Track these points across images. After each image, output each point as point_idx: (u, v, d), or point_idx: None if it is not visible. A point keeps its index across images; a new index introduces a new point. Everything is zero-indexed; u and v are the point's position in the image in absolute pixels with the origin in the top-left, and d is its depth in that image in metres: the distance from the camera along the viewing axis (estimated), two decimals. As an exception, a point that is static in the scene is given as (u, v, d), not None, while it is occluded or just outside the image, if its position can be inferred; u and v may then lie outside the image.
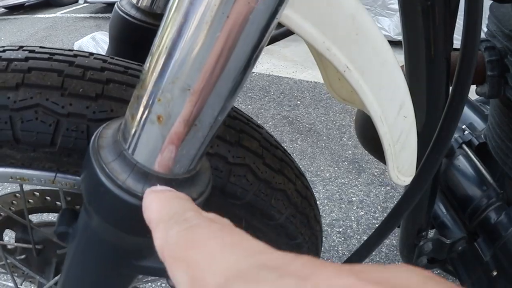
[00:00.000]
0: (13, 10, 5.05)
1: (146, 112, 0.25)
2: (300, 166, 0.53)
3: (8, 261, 0.54)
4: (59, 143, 0.34)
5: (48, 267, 0.58)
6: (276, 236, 0.48)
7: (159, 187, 0.25)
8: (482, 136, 0.75)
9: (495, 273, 0.65)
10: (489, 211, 0.68)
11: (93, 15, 4.47)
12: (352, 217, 1.41)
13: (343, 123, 1.94)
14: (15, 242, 0.55)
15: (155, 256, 0.29)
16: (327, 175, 1.60)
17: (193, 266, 0.16)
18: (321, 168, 1.64)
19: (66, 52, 0.38)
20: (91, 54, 0.39)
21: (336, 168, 1.63)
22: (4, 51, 0.36)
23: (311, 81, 2.41)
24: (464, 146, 0.75)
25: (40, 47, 0.38)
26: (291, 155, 0.50)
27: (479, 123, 0.79)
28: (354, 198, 1.49)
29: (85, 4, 4.58)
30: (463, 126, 0.79)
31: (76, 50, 0.39)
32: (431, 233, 0.79)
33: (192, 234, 0.18)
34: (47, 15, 4.67)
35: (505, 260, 0.63)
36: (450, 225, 0.75)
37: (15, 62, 0.35)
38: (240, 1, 0.21)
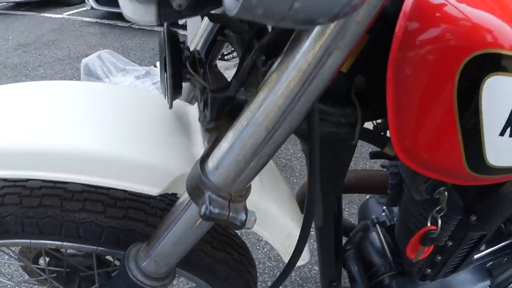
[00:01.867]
0: (20, 5, 5.23)
1: (152, 255, 0.53)
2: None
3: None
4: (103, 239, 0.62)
5: (73, 284, 0.83)
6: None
7: None
8: (395, 219, 1.04)
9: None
10: (384, 277, 0.96)
11: (98, 20, 4.69)
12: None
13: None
14: (49, 265, 0.80)
15: None
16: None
17: None
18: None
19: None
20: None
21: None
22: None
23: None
24: (377, 226, 1.04)
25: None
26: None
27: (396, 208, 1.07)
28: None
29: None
30: (384, 207, 1.08)
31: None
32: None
33: None
34: (54, 15, 4.87)
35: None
36: (357, 279, 1.03)
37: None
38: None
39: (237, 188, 0.45)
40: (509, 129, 0.52)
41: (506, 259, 1.05)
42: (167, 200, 0.69)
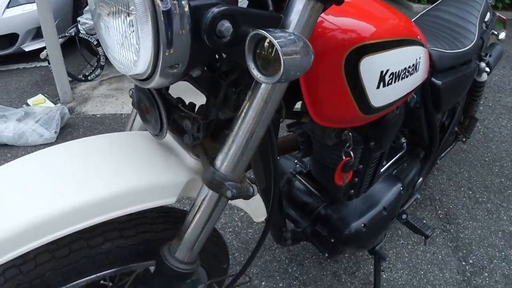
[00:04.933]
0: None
1: (183, 245, 0.69)
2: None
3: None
4: (127, 257, 0.75)
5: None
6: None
7: None
8: (308, 166, 1.32)
9: (332, 240, 1.21)
10: (319, 209, 1.24)
11: None
12: (236, 218, 1.94)
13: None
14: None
15: None
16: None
17: None
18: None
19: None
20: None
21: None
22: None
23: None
24: (297, 175, 1.31)
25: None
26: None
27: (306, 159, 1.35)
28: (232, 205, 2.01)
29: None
30: (295, 161, 1.35)
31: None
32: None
33: None
34: None
35: (336, 233, 1.20)
36: (299, 220, 1.30)
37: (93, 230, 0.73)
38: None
39: (239, 173, 0.65)
40: (381, 83, 0.83)
41: (405, 165, 1.43)
42: (157, 211, 0.84)
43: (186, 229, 0.69)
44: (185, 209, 1.43)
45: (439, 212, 2.06)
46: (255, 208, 0.89)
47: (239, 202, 0.83)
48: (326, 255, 1.30)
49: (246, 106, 0.61)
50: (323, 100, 0.81)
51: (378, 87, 0.84)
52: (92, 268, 0.71)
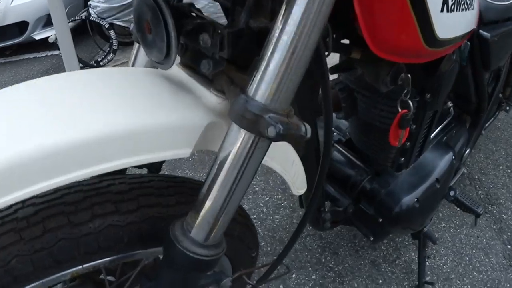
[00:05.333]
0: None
1: (203, 220, 0.48)
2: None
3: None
4: (125, 241, 0.53)
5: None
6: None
7: None
8: (347, 133, 1.10)
9: (380, 220, 1.00)
10: (364, 183, 1.02)
11: None
12: (261, 203, 1.72)
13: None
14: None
15: None
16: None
17: None
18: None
19: (99, 184, 0.55)
20: (113, 179, 0.57)
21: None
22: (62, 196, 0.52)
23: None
24: (336, 145, 1.09)
25: (78, 184, 0.55)
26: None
27: (343, 124, 1.13)
28: (256, 188, 1.80)
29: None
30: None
31: (100, 180, 0.56)
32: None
33: None
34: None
35: (384, 210, 0.98)
36: (339, 198, 1.08)
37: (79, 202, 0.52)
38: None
39: (285, 105, 0.44)
40: (444, 6, 0.67)
41: (453, 132, 1.21)
42: (167, 180, 0.62)
43: (206, 197, 0.48)
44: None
45: (480, 192, 1.86)
46: (295, 175, 0.67)
47: (276, 165, 0.62)
48: (371, 238, 1.08)
49: (285, 11, 0.42)
50: (382, 24, 0.62)
51: (442, 11, 0.66)
52: (75, 255, 0.50)
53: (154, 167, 0.82)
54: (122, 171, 0.71)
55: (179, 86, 0.53)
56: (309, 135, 0.45)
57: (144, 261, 0.67)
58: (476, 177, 1.94)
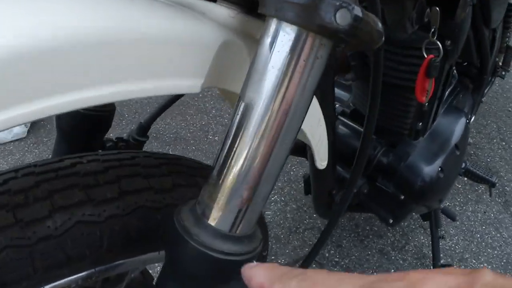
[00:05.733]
0: None
1: (228, 196, 0.31)
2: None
3: None
4: (105, 245, 0.35)
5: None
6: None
7: (254, 263, 0.29)
8: (351, 104, 0.95)
9: (402, 197, 0.85)
10: (379, 157, 0.88)
11: None
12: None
13: (203, 123, 2.04)
14: None
15: None
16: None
17: None
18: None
19: (59, 164, 0.37)
20: (80, 157, 0.39)
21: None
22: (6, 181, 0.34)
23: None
24: (340, 117, 0.94)
25: (28, 165, 0.37)
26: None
27: (343, 95, 0.98)
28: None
29: None
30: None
31: (59, 159, 0.38)
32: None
33: (311, 278, 0.24)
34: None
35: (406, 185, 0.84)
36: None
37: (31, 190, 0.33)
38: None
39: None
40: None
41: (460, 96, 1.09)
42: (154, 155, 0.45)
43: (231, 158, 0.30)
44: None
45: (479, 167, 1.79)
46: (320, 139, 0.51)
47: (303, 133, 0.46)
48: (391, 221, 0.93)
49: None
50: None
51: None
52: (29, 272, 0.31)
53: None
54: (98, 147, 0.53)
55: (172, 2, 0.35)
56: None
57: (131, 275, 0.50)
58: (472, 152, 1.86)
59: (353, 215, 1.46)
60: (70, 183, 0.35)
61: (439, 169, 0.87)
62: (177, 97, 0.78)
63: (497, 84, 2.48)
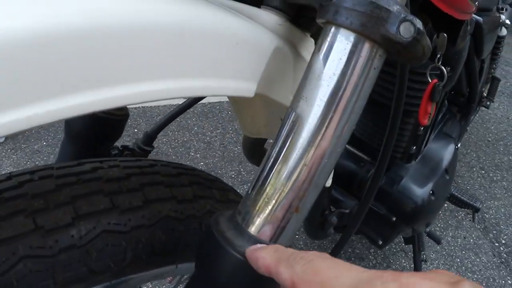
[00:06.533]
0: None
1: (273, 206, 0.29)
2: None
3: None
4: (129, 258, 0.33)
5: None
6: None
7: (259, 245, 0.29)
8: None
9: (394, 219, 0.86)
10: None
11: None
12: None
13: (185, 139, 2.01)
14: None
15: None
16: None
17: (326, 285, 0.22)
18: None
19: (79, 168, 0.35)
20: (100, 161, 0.36)
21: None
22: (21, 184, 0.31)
23: (139, 107, 2.37)
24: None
25: (44, 168, 0.34)
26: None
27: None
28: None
29: None
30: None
31: (77, 162, 0.36)
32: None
33: (314, 265, 0.24)
34: None
35: (399, 207, 0.84)
36: (343, 199, 0.93)
37: (51, 194, 0.31)
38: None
39: None
40: None
41: (450, 122, 1.12)
42: (171, 165, 0.43)
43: (280, 163, 0.29)
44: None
45: (458, 194, 1.85)
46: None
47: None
48: (380, 242, 0.94)
49: None
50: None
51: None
52: (47, 284, 0.28)
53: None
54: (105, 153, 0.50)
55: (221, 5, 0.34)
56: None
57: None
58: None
59: (335, 237, 1.46)
60: (94, 189, 0.32)
61: (431, 192, 0.88)
62: (184, 108, 0.76)
63: (477, 115, 2.59)
